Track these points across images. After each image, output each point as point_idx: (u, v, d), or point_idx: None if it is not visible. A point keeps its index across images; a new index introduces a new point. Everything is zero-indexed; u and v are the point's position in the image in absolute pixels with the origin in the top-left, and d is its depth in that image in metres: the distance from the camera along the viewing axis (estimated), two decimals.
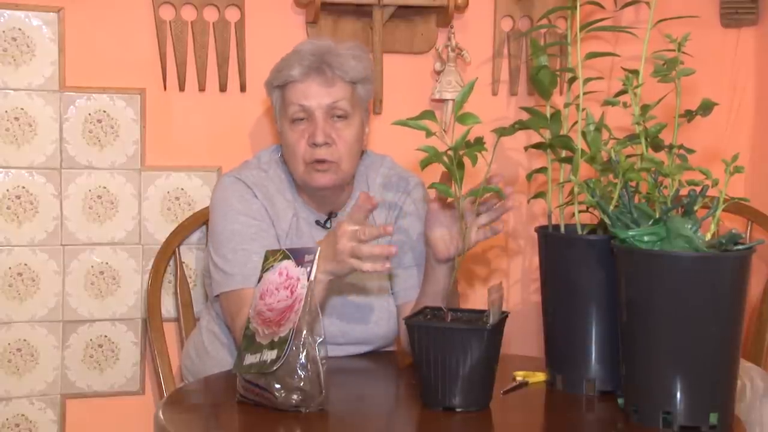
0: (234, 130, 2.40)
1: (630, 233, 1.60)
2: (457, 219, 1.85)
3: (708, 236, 1.59)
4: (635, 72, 1.79)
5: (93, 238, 2.33)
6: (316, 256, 1.67)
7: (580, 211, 1.82)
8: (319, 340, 1.63)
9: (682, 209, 1.61)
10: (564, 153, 1.86)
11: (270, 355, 1.62)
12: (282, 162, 2.10)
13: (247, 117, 2.41)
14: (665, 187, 1.64)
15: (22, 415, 2.31)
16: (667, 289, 1.56)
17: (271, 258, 1.75)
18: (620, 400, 1.69)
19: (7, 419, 2.29)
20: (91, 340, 2.35)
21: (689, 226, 1.57)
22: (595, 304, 1.75)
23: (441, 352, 1.64)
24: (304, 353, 1.61)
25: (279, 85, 2.06)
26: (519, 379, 1.85)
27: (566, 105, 1.89)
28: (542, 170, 1.93)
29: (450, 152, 1.68)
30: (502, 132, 1.80)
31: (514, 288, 2.62)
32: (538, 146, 1.90)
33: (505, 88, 2.57)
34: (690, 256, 1.56)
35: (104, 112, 2.32)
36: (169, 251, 2.33)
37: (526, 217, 2.60)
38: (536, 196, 1.96)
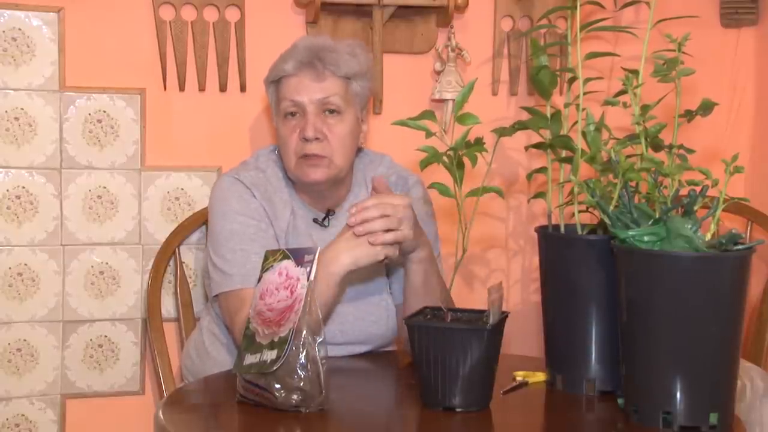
0: (234, 130, 2.40)
1: (630, 233, 1.60)
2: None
3: (708, 236, 1.59)
4: (635, 72, 1.79)
5: (93, 238, 2.33)
6: (316, 256, 1.67)
7: (580, 211, 1.82)
8: (319, 340, 1.63)
9: (682, 209, 1.61)
10: (564, 153, 1.86)
11: (270, 355, 1.62)
12: (279, 160, 2.11)
13: (247, 117, 2.41)
14: (665, 187, 1.64)
15: (22, 415, 2.31)
16: (667, 289, 1.56)
17: (271, 258, 1.75)
18: (620, 400, 1.69)
19: (7, 419, 2.29)
20: (91, 340, 2.35)
21: (689, 226, 1.57)
22: (595, 304, 1.75)
23: (441, 352, 1.64)
24: (304, 353, 1.61)
25: (273, 80, 2.07)
26: (519, 379, 1.85)
27: (566, 105, 1.89)
28: (542, 170, 1.93)
29: (450, 152, 1.68)
30: (502, 132, 1.81)
31: (514, 288, 2.62)
32: (538, 146, 1.90)
33: (505, 88, 2.57)
34: (690, 256, 1.56)
35: (104, 112, 2.32)
36: (169, 251, 2.33)
37: (526, 217, 2.61)
38: (536, 196, 1.96)
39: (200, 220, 2.34)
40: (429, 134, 1.67)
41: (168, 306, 2.37)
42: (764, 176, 2.63)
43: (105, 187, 2.33)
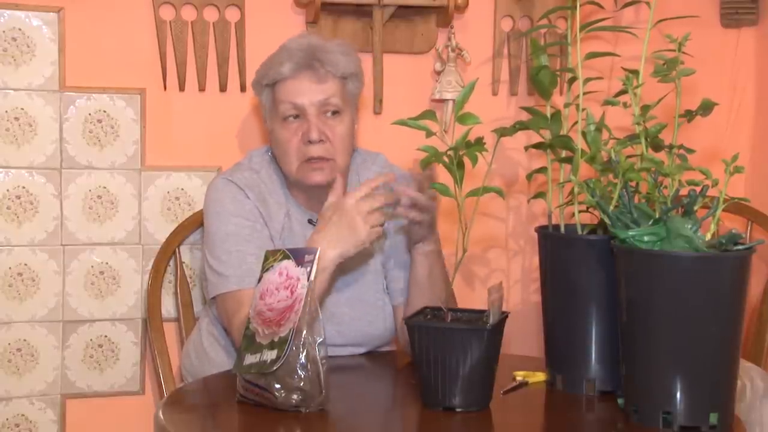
0: (234, 130, 2.40)
1: (630, 233, 1.60)
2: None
3: (708, 236, 1.59)
4: (635, 72, 1.79)
5: (93, 238, 2.33)
6: (316, 257, 1.67)
7: (580, 211, 1.82)
8: (319, 340, 1.63)
9: (682, 209, 1.61)
10: (564, 153, 1.86)
11: (270, 355, 1.62)
12: (273, 162, 2.10)
13: (247, 117, 2.41)
14: (665, 187, 1.64)
15: (22, 415, 2.31)
16: (667, 289, 1.56)
17: (271, 258, 1.75)
18: (620, 400, 1.69)
19: (7, 419, 2.29)
20: (91, 340, 2.35)
21: (689, 226, 1.57)
22: (595, 304, 1.75)
23: (441, 352, 1.64)
24: (304, 353, 1.61)
25: (268, 83, 2.05)
26: (519, 379, 1.85)
27: (566, 105, 1.89)
28: (542, 170, 1.93)
29: (450, 152, 1.68)
30: (502, 132, 1.81)
31: (514, 288, 2.62)
32: (538, 146, 1.90)
33: (505, 88, 2.57)
34: (690, 256, 1.56)
35: (104, 112, 2.32)
36: (169, 251, 2.33)
37: (526, 217, 2.61)
38: (536, 196, 1.96)
39: (200, 220, 2.33)
40: (429, 134, 1.67)
41: (168, 306, 2.37)
42: (764, 176, 2.63)
43: (105, 187, 2.33)
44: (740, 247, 1.57)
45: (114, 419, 2.37)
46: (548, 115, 1.88)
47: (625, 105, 1.77)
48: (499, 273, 2.60)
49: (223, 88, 2.38)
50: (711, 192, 1.63)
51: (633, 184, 1.71)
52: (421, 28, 2.49)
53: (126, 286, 2.36)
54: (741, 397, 1.86)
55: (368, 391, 1.93)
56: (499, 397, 1.75)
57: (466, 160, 1.69)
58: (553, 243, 1.83)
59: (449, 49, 2.48)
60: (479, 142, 1.67)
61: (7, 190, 2.27)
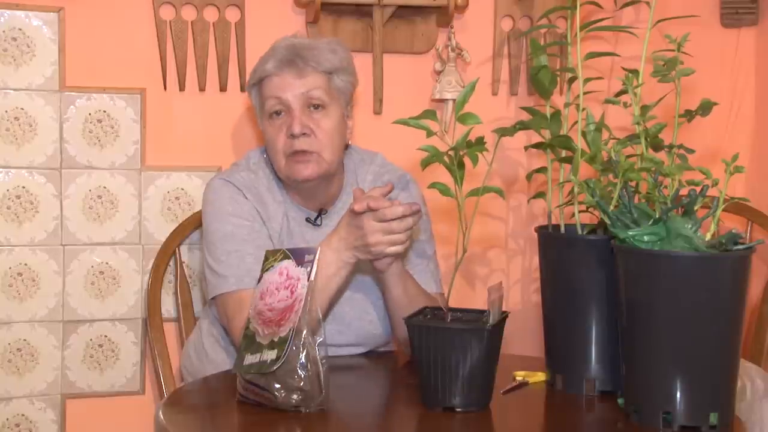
0: (234, 130, 2.40)
1: (630, 233, 1.60)
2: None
3: (708, 236, 1.59)
4: (635, 72, 1.79)
5: (93, 238, 2.33)
6: (317, 256, 1.67)
7: (580, 211, 1.82)
8: (319, 340, 1.63)
9: (682, 209, 1.61)
10: (564, 153, 1.86)
11: (270, 355, 1.62)
12: (269, 161, 2.10)
13: (247, 117, 2.41)
14: (665, 187, 1.64)
15: (22, 415, 2.31)
16: (667, 289, 1.56)
17: (271, 258, 1.75)
18: (620, 400, 1.69)
19: (7, 419, 2.29)
20: (91, 340, 2.35)
21: (689, 226, 1.57)
22: (595, 304, 1.75)
23: (441, 352, 1.64)
24: (304, 353, 1.61)
25: (255, 82, 2.08)
26: (519, 379, 1.85)
27: (566, 105, 1.89)
28: (542, 170, 1.93)
29: (451, 152, 1.68)
30: (502, 132, 1.80)
31: (514, 288, 2.62)
32: (538, 146, 1.90)
33: (505, 88, 2.57)
34: (690, 256, 1.56)
35: (104, 112, 2.32)
36: (169, 251, 2.33)
37: (526, 217, 2.61)
38: (536, 196, 1.96)
39: (200, 220, 2.32)
40: (430, 134, 1.67)
41: (168, 306, 2.37)
42: (764, 176, 2.63)
43: (105, 187, 2.33)
44: (740, 247, 1.57)
45: (114, 419, 2.37)
46: (548, 115, 1.88)
47: (625, 105, 1.77)
48: (499, 273, 2.60)
49: (223, 88, 2.38)
50: (711, 192, 1.63)
51: (633, 184, 1.71)
52: (421, 28, 2.49)
53: (126, 286, 2.36)
54: (741, 397, 1.86)
55: (368, 391, 1.93)
56: (499, 397, 1.75)
57: (467, 160, 1.69)
58: (553, 243, 1.83)
59: (449, 49, 2.48)
60: (480, 141, 1.66)
61: (7, 190, 2.27)
